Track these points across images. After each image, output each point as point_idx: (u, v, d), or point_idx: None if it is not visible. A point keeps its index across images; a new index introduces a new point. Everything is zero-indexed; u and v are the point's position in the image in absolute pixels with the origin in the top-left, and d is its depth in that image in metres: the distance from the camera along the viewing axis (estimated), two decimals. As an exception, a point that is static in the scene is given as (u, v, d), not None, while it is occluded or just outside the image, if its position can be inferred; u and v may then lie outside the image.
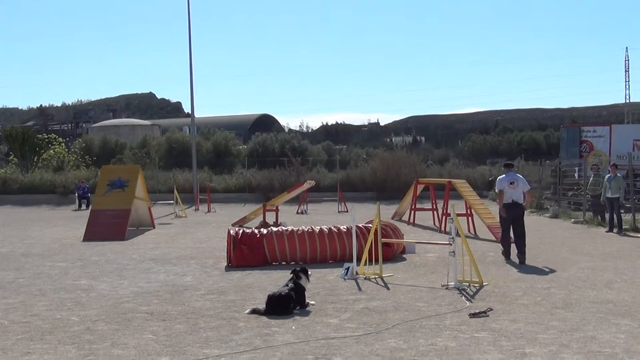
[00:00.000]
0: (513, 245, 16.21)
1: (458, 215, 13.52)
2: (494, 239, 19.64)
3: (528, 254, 15.98)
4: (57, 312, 10.68)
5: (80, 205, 39.26)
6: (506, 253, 16.31)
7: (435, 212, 25.54)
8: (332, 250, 15.69)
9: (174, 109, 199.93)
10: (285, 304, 10.25)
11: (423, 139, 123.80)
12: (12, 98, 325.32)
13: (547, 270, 14.40)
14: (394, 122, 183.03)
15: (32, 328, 9.56)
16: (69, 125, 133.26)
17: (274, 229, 16.61)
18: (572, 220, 25.96)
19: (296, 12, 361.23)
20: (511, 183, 16.32)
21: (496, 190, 17.13)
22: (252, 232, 16.04)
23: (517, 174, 17.33)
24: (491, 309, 10.27)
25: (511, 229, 16.32)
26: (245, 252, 15.28)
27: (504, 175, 16.57)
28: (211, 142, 58.01)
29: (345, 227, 16.12)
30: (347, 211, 32.11)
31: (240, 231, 16.02)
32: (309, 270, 11.38)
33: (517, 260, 15.75)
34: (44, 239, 21.97)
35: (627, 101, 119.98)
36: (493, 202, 36.91)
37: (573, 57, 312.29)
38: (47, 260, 16.89)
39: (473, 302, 10.97)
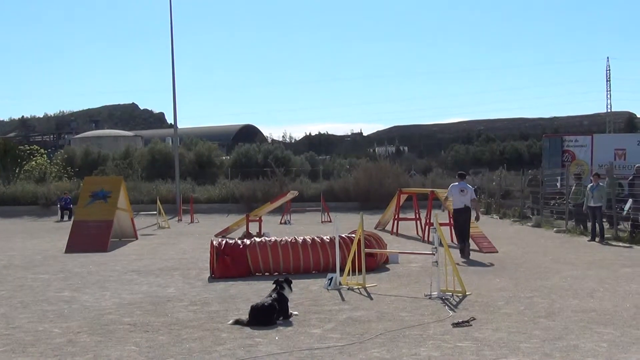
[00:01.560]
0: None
1: (441, 224, 13.53)
2: (477, 248, 19.67)
3: (511, 263, 16.79)
4: (39, 324, 10.62)
5: (62, 217, 39.07)
6: (463, 252, 18.51)
7: (418, 221, 25.58)
8: (315, 261, 15.67)
9: (157, 119, 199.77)
10: (269, 315, 10.24)
11: (406, 149, 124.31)
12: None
13: (530, 279, 14.43)
14: (377, 132, 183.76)
15: (14, 340, 9.51)
16: (51, 136, 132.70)
17: (257, 239, 16.59)
18: (555, 229, 26.06)
19: (279, 22, 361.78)
20: (462, 191, 18.86)
21: (447, 195, 19.64)
22: (235, 242, 16.02)
23: (467, 184, 19.54)
24: (474, 319, 10.29)
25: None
26: (229, 263, 15.24)
27: (456, 184, 19.11)
28: (194, 153, 57.83)
29: (328, 237, 16.12)
30: (330, 221, 32.10)
31: (224, 242, 15.99)
32: (292, 280, 11.39)
33: (465, 256, 18.25)
34: (25, 251, 21.85)
35: (609, 111, 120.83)
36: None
37: (555, 67, 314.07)
38: (29, 272, 16.80)
39: (456, 312, 10.99)
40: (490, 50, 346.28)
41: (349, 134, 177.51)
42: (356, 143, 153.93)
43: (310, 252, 15.67)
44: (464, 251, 18.42)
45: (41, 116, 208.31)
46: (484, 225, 25.05)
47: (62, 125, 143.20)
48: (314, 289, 13.52)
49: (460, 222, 18.84)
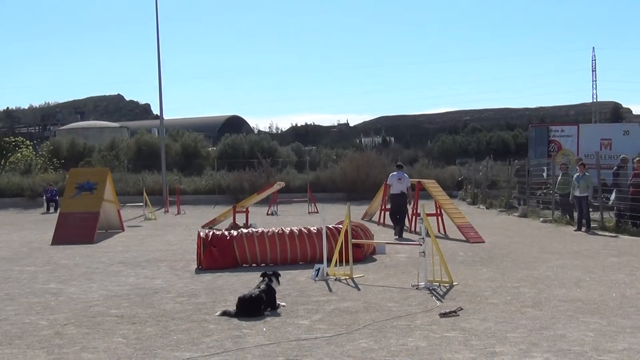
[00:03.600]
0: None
1: (428, 215, 13.54)
2: (463, 238, 19.73)
3: (498, 253, 16.94)
4: (25, 316, 10.59)
5: (48, 209, 38.94)
6: (399, 231, 21.54)
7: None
8: (302, 252, 15.67)
9: (143, 111, 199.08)
10: (256, 306, 10.23)
11: (392, 139, 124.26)
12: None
13: (517, 269, 14.47)
14: (364, 122, 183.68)
15: (1, 333, 9.47)
16: (37, 128, 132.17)
17: (244, 230, 16.58)
18: (541, 219, 26.12)
19: (265, 13, 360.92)
20: (399, 179, 22.03)
21: (388, 183, 22.69)
22: (222, 234, 16.00)
23: (404, 173, 22.78)
24: (461, 309, 10.31)
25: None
26: (216, 254, 15.23)
27: (395, 173, 22.42)
28: (180, 144, 57.69)
29: (315, 228, 16.11)
30: (317, 212, 32.08)
31: (210, 233, 15.98)
32: (280, 273, 11.42)
33: (398, 235, 21.30)
34: (11, 243, 21.78)
35: (595, 100, 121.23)
36: (462, 202, 37.20)
37: (541, 57, 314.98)
38: (15, 264, 16.74)
39: (443, 302, 11.01)
40: (477, 41, 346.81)
41: (336, 124, 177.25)
42: (343, 134, 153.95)
43: (297, 243, 15.67)
44: (400, 231, 21.55)
45: (26, 107, 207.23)
46: (471, 215, 25.12)
47: (48, 117, 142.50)
48: (301, 280, 13.52)
49: (397, 205, 22.00)
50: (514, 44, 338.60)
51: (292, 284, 12.99)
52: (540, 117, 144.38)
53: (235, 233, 16.02)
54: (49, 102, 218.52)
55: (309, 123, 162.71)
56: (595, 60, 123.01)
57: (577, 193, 22.17)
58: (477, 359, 7.82)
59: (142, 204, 33.42)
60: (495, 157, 48.23)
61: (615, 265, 14.96)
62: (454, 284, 12.52)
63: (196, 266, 15.49)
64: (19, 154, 53.20)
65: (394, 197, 22.08)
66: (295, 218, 29.65)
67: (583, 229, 21.92)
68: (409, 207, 22.89)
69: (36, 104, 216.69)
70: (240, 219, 25.62)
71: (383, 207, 26.33)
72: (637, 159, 21.64)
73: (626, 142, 32.37)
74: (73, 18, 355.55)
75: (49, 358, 8.20)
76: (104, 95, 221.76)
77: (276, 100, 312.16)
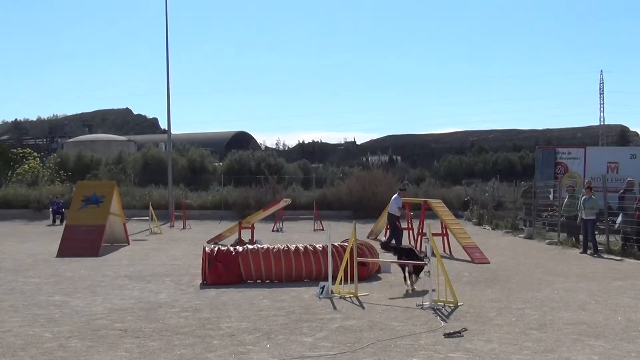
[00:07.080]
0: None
1: (434, 235, 13.54)
2: (469, 259, 19.70)
3: (503, 274, 16.97)
4: (29, 328, 10.59)
5: (54, 221, 39.03)
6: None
7: (411, 231, 25.53)
8: (307, 269, 15.67)
9: (150, 125, 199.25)
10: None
11: (399, 158, 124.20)
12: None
13: (522, 290, 14.44)
14: (371, 141, 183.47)
15: (5, 344, 9.48)
16: (44, 140, 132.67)
17: (250, 246, 16.57)
18: (547, 241, 26.07)
19: (273, 29, 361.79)
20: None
21: (398, 207, 23.59)
22: (228, 249, 16.00)
23: (397, 195, 24.17)
24: (466, 329, 10.29)
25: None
26: (221, 270, 15.23)
27: (397, 196, 24.02)
28: (186, 159, 57.78)
29: (321, 245, 16.11)
30: (323, 230, 32.07)
31: (216, 249, 15.98)
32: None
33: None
34: (17, 254, 21.80)
35: (602, 123, 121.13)
36: (468, 222, 37.12)
37: (548, 79, 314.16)
38: (20, 276, 16.76)
39: (448, 322, 10.99)
40: (485, 62, 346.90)
41: (342, 142, 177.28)
42: (349, 152, 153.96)
43: (303, 260, 15.67)
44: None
45: (34, 119, 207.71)
46: (476, 236, 25.06)
47: (55, 129, 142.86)
48: (305, 297, 13.52)
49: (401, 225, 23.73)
50: (522, 65, 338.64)
51: (296, 301, 13.00)
52: (547, 139, 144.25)
53: (240, 249, 16.02)
54: (57, 115, 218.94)
55: (316, 140, 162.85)
56: (603, 83, 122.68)
57: (583, 216, 22.14)
58: (481, 380, 7.81)
59: (148, 218, 33.44)
60: (502, 178, 47.97)
61: (620, 288, 14.92)
62: (458, 304, 12.50)
63: (201, 281, 15.49)
64: (26, 166, 53.29)
65: (399, 219, 23.83)
66: (300, 235, 29.64)
67: (589, 251, 21.88)
68: (401, 226, 23.86)
69: (44, 116, 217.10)
70: (246, 235, 25.63)
71: (389, 226, 26.29)
72: None
73: (633, 165, 32.31)
74: (82, 31, 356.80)
75: (53, 370, 8.21)
76: (112, 109, 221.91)
77: (283, 117, 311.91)
